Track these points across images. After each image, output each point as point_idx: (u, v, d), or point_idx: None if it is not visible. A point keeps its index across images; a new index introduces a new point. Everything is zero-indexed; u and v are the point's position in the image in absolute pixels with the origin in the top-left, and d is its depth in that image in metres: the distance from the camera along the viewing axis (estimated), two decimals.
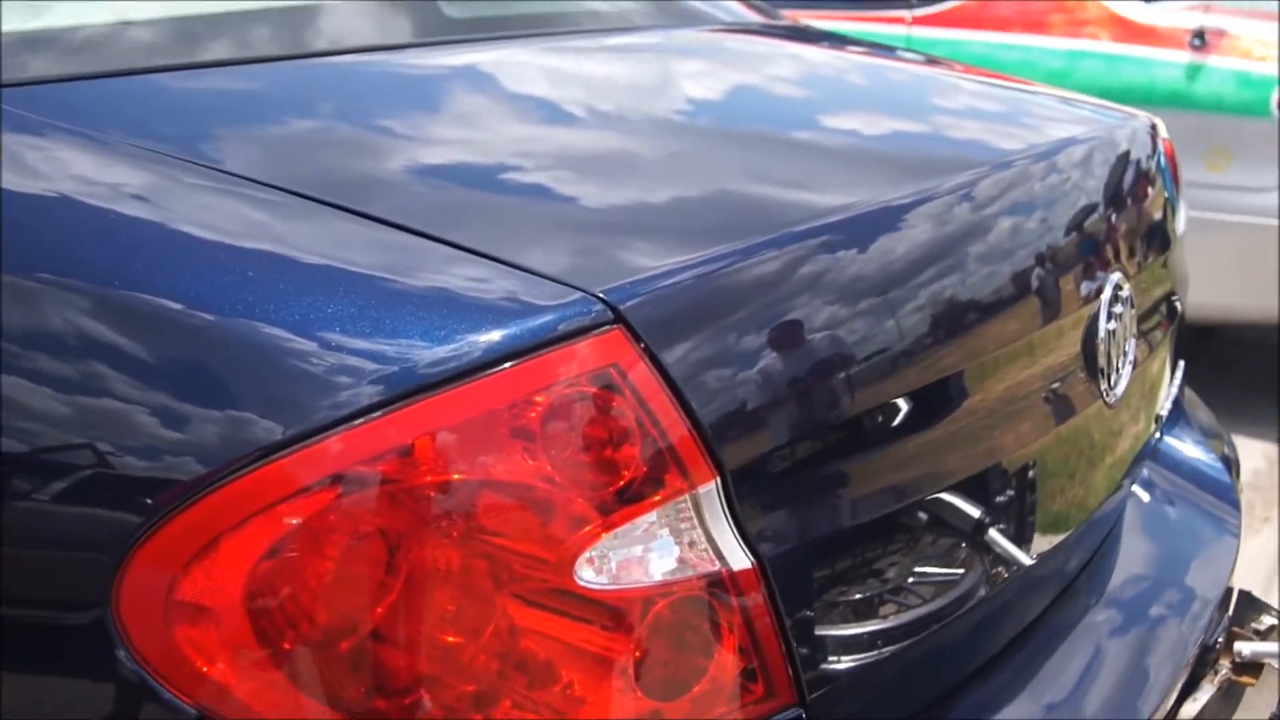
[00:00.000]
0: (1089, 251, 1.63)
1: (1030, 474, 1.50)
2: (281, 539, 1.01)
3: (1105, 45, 4.31)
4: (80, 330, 1.08)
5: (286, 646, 1.02)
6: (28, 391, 1.08)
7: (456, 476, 1.03)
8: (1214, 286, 4.06)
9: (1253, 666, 1.80)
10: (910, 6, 4.55)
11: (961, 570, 1.39)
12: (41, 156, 1.27)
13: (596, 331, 1.06)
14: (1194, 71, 4.15)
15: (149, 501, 1.03)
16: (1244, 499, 2.12)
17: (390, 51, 1.75)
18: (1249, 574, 3.19)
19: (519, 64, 1.80)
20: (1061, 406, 1.55)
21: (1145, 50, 4.25)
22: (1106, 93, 4.17)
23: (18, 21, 1.46)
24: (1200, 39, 4.17)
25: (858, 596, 1.28)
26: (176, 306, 1.07)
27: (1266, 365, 4.73)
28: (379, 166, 1.36)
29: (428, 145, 1.46)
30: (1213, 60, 4.14)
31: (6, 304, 1.11)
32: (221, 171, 1.24)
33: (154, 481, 1.03)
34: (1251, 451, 4.00)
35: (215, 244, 1.15)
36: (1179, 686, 1.64)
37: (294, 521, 1.01)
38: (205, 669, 1.02)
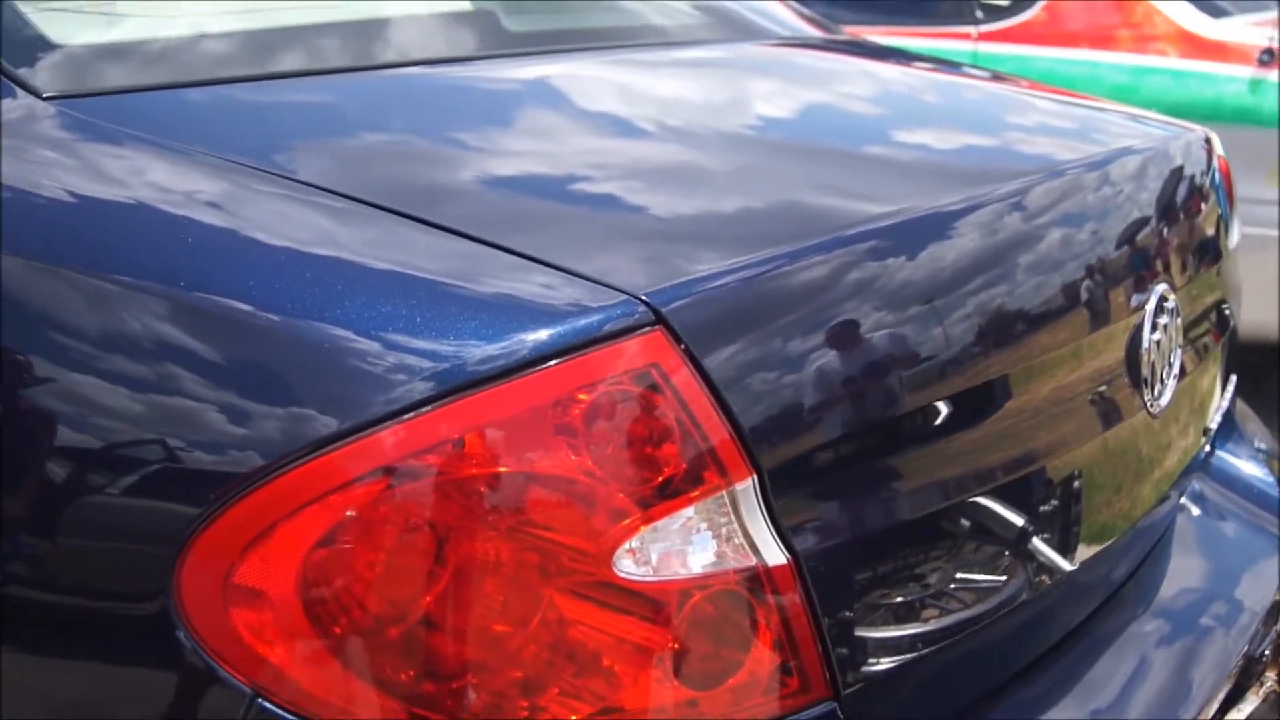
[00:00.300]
0: (1136, 262, 1.65)
1: (1072, 481, 1.52)
2: (334, 527, 1.06)
3: (1173, 61, 4.31)
4: (146, 329, 1.14)
5: (338, 630, 1.06)
6: (95, 388, 1.14)
7: (503, 470, 1.07)
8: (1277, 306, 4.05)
9: None
10: (976, 22, 4.56)
11: (1001, 574, 1.41)
12: (107, 164, 1.32)
13: (639, 332, 1.10)
14: (1262, 87, 4.13)
15: (210, 491, 1.08)
16: None
17: (452, 64, 1.80)
18: None
19: (581, 77, 1.84)
20: (1104, 415, 1.57)
21: (1213, 66, 4.24)
22: (1174, 108, 4.16)
23: (82, 35, 1.52)
24: (1269, 55, 4.15)
25: (895, 596, 1.30)
26: (241, 307, 1.12)
27: None
28: (440, 175, 1.41)
29: (488, 155, 1.51)
30: None
31: (78, 302, 1.17)
32: (288, 179, 1.29)
33: (215, 472, 1.09)
34: None
35: (279, 248, 1.20)
36: (1222, 696, 1.65)
37: (346, 511, 1.05)
38: (260, 650, 1.07)
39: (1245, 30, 4.31)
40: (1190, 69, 4.27)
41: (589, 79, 1.84)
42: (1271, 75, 4.15)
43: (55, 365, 1.15)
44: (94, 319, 1.16)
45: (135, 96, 1.44)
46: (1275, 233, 4.03)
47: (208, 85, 1.51)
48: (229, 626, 1.07)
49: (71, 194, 1.27)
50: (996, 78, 2.37)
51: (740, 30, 2.30)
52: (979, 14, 4.57)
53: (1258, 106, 4.13)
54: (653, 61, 1.97)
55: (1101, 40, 4.42)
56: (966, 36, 4.55)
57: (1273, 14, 4.27)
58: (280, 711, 1.08)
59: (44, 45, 1.44)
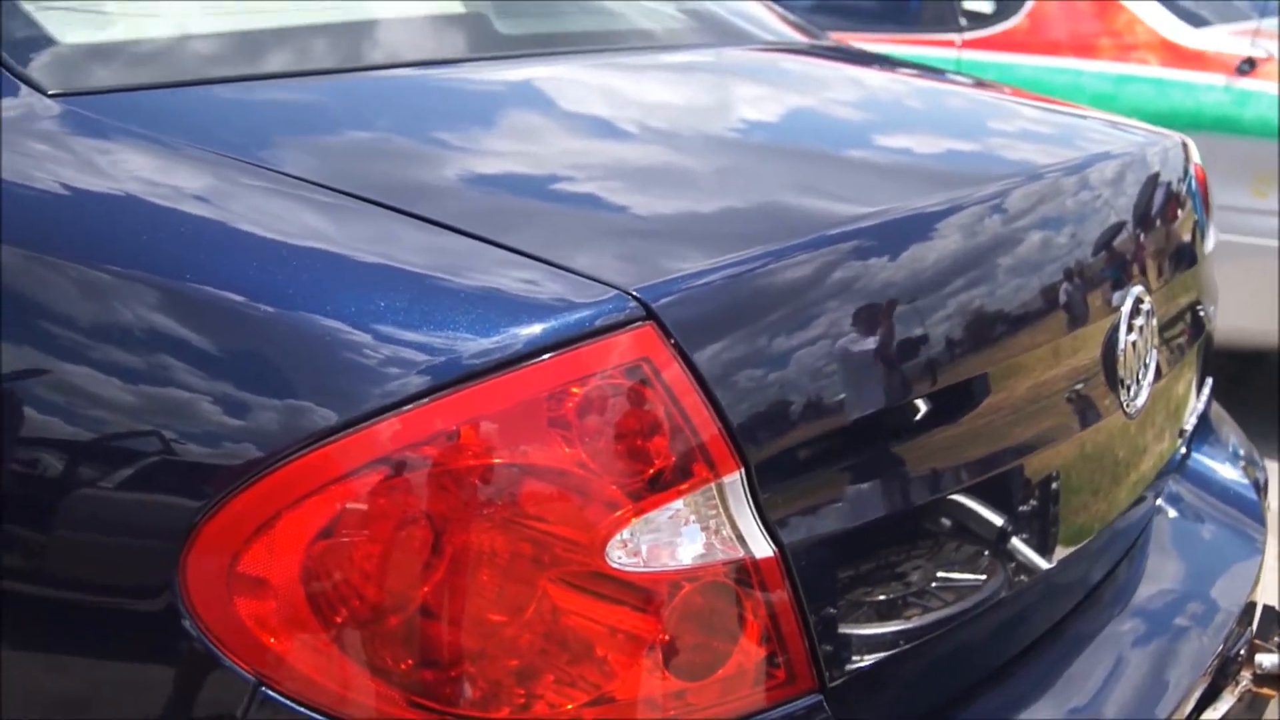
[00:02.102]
0: (1113, 265, 1.68)
1: (1050, 481, 1.55)
2: (335, 517, 1.08)
3: (1154, 70, 4.34)
4: (146, 322, 1.16)
5: (339, 619, 1.09)
6: (96, 381, 1.16)
7: (498, 461, 1.10)
8: (1260, 312, 4.09)
9: (1273, 679, 1.84)
10: (960, 30, 4.60)
11: (981, 573, 1.44)
12: (110, 160, 1.34)
13: (630, 327, 1.13)
14: (1241, 97, 4.18)
15: (214, 482, 1.10)
16: None
17: (445, 66, 1.82)
18: None
19: (569, 79, 1.87)
20: (1081, 415, 1.60)
21: (1193, 75, 4.28)
22: (1154, 117, 4.20)
23: (86, 34, 1.54)
24: (1249, 64, 4.20)
25: (879, 593, 1.33)
26: (238, 299, 1.15)
27: None
28: (433, 173, 1.43)
29: (479, 154, 1.54)
30: (1260, 86, 4.16)
31: (77, 296, 1.19)
32: (286, 175, 1.31)
33: (218, 463, 1.11)
34: None
35: (276, 242, 1.22)
36: (1197, 695, 1.68)
37: (346, 501, 1.08)
38: (263, 638, 1.09)
39: (1225, 39, 4.35)
40: (1171, 78, 4.31)
41: (577, 82, 1.87)
42: (1250, 84, 4.19)
43: (59, 360, 1.17)
44: (98, 313, 1.18)
45: (138, 94, 1.46)
46: (1254, 240, 4.07)
47: (208, 84, 1.53)
48: (233, 615, 1.09)
49: (77, 189, 1.29)
50: (978, 84, 2.41)
51: (726, 35, 2.33)
52: (963, 22, 4.60)
53: (1238, 116, 4.17)
54: (640, 65, 2.00)
55: (1084, 49, 4.46)
56: (950, 44, 4.59)
57: (1252, 24, 4.32)
58: (282, 699, 1.10)
59: (48, 43, 1.46)
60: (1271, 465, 3.96)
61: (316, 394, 1.10)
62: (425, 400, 1.08)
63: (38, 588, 1.18)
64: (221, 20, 1.69)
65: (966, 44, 4.57)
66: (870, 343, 1.31)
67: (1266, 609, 1.94)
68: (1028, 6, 4.53)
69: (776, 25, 2.43)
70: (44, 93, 1.37)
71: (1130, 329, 1.66)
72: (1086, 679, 1.59)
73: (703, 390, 1.15)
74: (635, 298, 1.14)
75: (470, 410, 1.09)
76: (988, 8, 4.58)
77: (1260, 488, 2.13)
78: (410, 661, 1.10)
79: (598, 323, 1.12)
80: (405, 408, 1.08)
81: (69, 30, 1.50)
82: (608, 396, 1.12)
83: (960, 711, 1.44)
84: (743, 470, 1.17)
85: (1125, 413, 1.66)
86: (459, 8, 2.03)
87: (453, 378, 1.09)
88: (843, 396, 1.27)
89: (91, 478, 1.16)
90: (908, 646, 1.34)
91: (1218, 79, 4.23)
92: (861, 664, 1.29)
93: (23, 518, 1.18)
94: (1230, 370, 4.66)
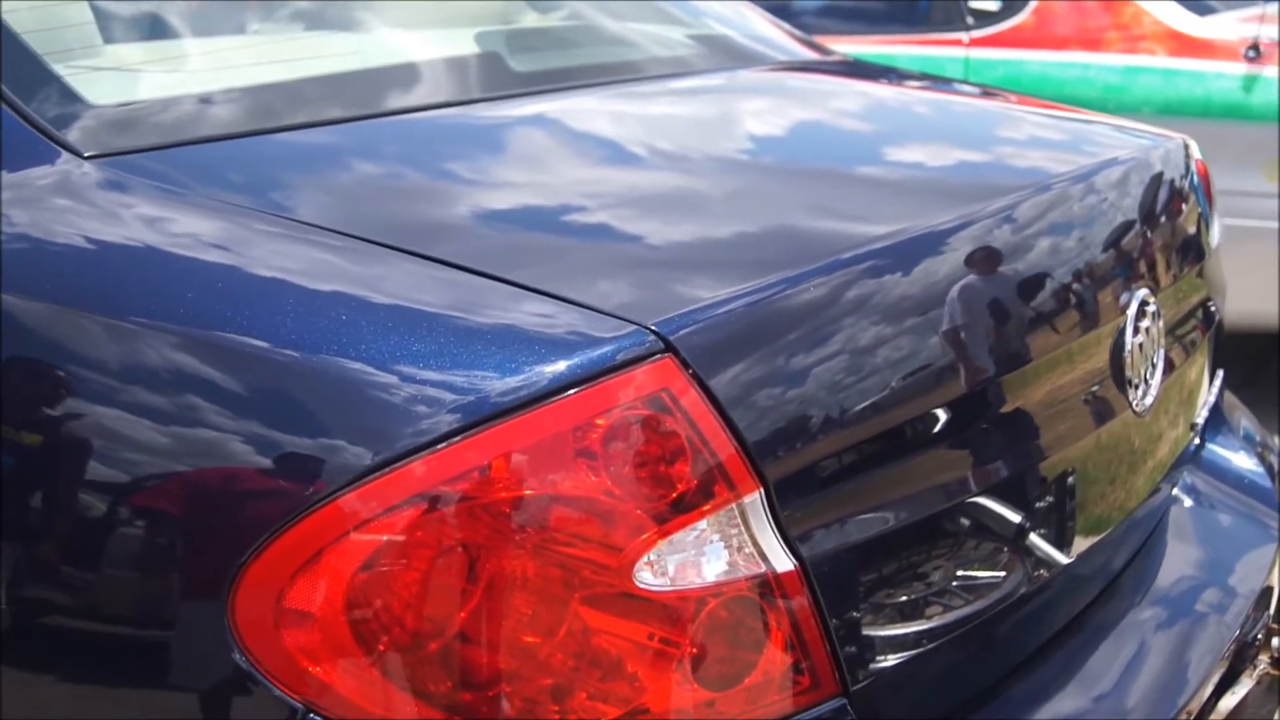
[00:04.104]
0: (1117, 270, 1.73)
1: (1066, 478, 1.61)
2: (375, 551, 1.14)
3: (1161, 60, 4.37)
4: (200, 375, 1.22)
5: (381, 647, 1.15)
6: (153, 434, 1.22)
7: (528, 492, 1.16)
8: (1275, 295, 4.12)
9: None
10: (967, 29, 4.63)
11: (1001, 570, 1.49)
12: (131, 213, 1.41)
13: (649, 360, 1.19)
14: (1250, 83, 4.20)
15: (258, 523, 1.16)
16: None
17: (465, 105, 1.88)
18: None
19: (582, 112, 1.92)
20: (1092, 416, 1.65)
21: (1201, 64, 4.31)
22: (1165, 106, 4.25)
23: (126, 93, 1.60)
24: (1255, 50, 4.22)
25: (900, 595, 1.38)
26: (275, 348, 1.21)
27: None
28: (451, 215, 1.49)
29: (496, 194, 1.59)
30: (1268, 71, 4.19)
31: (134, 354, 1.25)
32: (319, 228, 1.37)
33: (262, 505, 1.17)
34: None
35: (323, 293, 1.28)
36: (1215, 679, 1.72)
37: (386, 535, 1.14)
38: (310, 668, 1.15)
39: (1232, 26, 4.37)
40: (1179, 67, 4.34)
41: (590, 114, 1.92)
42: (1258, 70, 4.22)
43: (121, 411, 1.23)
44: (149, 366, 1.24)
45: (168, 153, 1.51)
46: (1269, 224, 4.10)
47: (234, 138, 1.59)
48: (281, 647, 1.15)
49: (126, 249, 1.36)
50: (984, 93, 2.45)
51: (737, 58, 2.38)
52: (969, 20, 4.63)
53: (1247, 102, 4.20)
54: (657, 93, 2.05)
55: (1091, 42, 4.49)
56: (958, 43, 4.62)
57: (1258, 9, 4.34)
58: None
59: (83, 107, 1.52)
60: None
61: (353, 435, 1.16)
62: (457, 438, 1.14)
63: (89, 624, 1.25)
64: (242, 74, 1.75)
65: (974, 42, 4.60)
66: (884, 359, 1.36)
67: None
68: (1033, 3, 4.56)
69: (787, 44, 2.48)
70: (81, 155, 1.43)
71: (1136, 331, 1.71)
72: (1108, 668, 1.63)
73: (721, 415, 1.21)
74: (653, 331, 1.20)
75: (500, 446, 1.15)
76: (994, 5, 4.61)
77: (1276, 474, 2.17)
78: (449, 684, 1.16)
79: (619, 357, 1.18)
80: (440, 445, 1.14)
81: (100, 92, 1.55)
82: (630, 426, 1.18)
83: (985, 706, 1.49)
84: (762, 489, 1.22)
85: (1135, 412, 1.71)
86: (475, 49, 2.08)
87: (484, 415, 1.15)
88: (858, 413, 1.33)
89: (143, 521, 1.22)
90: (930, 646, 1.39)
91: (1225, 66, 4.26)
92: (884, 665, 1.35)
93: (72, 558, 1.24)
94: (1247, 352, 4.69)
